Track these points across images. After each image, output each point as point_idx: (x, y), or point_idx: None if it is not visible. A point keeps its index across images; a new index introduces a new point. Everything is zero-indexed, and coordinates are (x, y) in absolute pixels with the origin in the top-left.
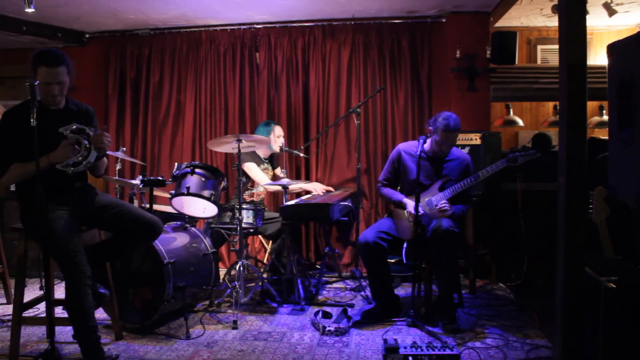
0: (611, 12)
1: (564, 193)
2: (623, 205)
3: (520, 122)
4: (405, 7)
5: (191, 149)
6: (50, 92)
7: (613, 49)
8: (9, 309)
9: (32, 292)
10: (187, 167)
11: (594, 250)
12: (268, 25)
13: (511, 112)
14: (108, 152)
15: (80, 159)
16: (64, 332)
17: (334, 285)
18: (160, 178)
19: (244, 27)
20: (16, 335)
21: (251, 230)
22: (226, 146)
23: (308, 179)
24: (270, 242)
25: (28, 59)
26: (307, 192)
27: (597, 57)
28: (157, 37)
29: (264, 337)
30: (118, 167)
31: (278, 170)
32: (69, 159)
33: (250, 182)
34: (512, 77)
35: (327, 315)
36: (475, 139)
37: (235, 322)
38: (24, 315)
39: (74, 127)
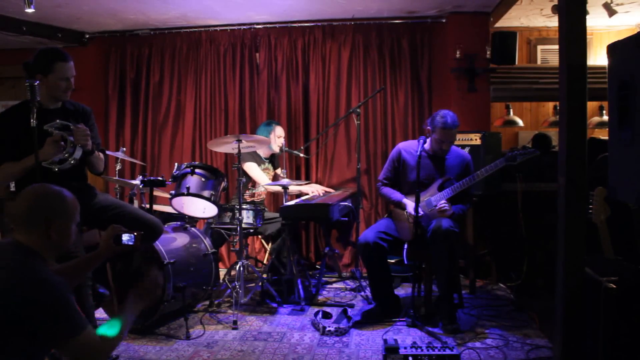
0: (611, 12)
1: (564, 193)
2: (623, 205)
3: (520, 123)
4: (405, 7)
5: (191, 149)
6: (68, 87)
7: (613, 49)
8: None
9: None
10: (187, 167)
11: (594, 250)
12: (268, 26)
13: (511, 113)
14: (108, 152)
15: (66, 155)
16: None
17: (334, 285)
18: (160, 178)
19: (244, 27)
20: None
21: (251, 231)
22: (226, 146)
23: (308, 179)
24: (270, 242)
25: (28, 60)
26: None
27: (597, 57)
28: (157, 37)
29: (264, 337)
30: (118, 167)
31: (279, 171)
32: (54, 156)
33: (251, 182)
34: (512, 78)
35: (327, 316)
36: (475, 139)
37: (235, 322)
38: None
39: (57, 123)
